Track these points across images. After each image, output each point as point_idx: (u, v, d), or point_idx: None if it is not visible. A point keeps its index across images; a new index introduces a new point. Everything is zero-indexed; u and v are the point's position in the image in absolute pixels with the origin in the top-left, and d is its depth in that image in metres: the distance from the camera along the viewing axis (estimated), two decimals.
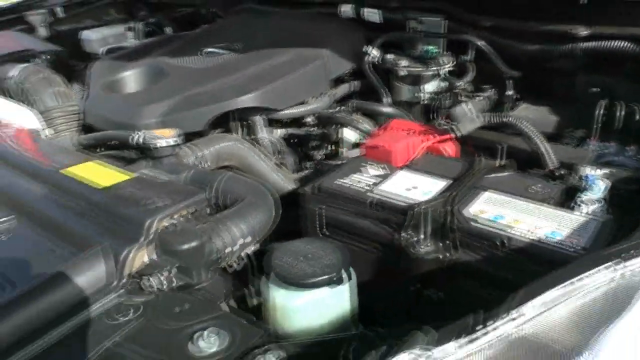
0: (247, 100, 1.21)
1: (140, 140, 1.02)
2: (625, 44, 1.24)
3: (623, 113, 1.06)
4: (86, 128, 1.42)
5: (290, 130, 1.39)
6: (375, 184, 0.89)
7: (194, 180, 0.93)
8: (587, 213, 0.77)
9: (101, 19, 2.38)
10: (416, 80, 1.41)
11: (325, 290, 0.69)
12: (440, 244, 0.76)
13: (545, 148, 0.96)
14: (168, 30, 2.02)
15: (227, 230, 0.78)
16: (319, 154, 1.40)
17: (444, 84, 1.44)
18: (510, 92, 1.44)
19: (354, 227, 0.85)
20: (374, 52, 1.49)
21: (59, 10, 2.26)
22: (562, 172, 0.90)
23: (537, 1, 1.36)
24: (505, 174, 0.89)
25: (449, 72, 1.43)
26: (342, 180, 0.91)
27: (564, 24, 1.32)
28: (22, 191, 0.86)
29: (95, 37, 1.99)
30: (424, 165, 0.95)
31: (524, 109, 1.41)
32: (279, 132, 1.36)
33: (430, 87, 1.42)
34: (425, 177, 0.90)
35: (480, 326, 0.45)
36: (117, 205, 0.77)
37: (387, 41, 1.52)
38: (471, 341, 0.45)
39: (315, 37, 1.50)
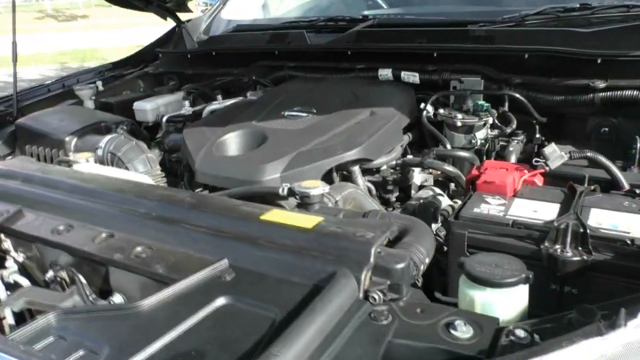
0: (355, 153, 1.45)
1: (295, 190, 1.23)
2: (635, 93, 1.59)
3: None
4: None
5: (369, 177, 1.63)
6: (504, 210, 1.14)
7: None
8: None
9: (134, 89, 2.58)
10: (469, 130, 1.70)
11: (517, 289, 0.92)
12: (579, 249, 1.01)
13: (619, 174, 1.26)
14: (219, 97, 2.23)
15: (418, 252, 1.00)
16: (393, 197, 1.65)
17: (489, 131, 1.74)
18: (537, 135, 1.76)
19: (496, 245, 1.09)
20: (429, 108, 1.78)
21: (99, 84, 2.43)
22: (637, 190, 1.19)
23: (561, 61, 1.71)
24: (599, 195, 1.17)
25: None
26: (477, 209, 1.15)
27: (585, 79, 1.68)
28: (234, 236, 1.05)
29: (150, 107, 2.17)
30: (531, 194, 1.22)
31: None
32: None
33: (480, 134, 1.72)
34: (539, 203, 1.16)
35: None
36: (335, 239, 0.98)
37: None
38: None
39: (378, 98, 1.78)
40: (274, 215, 1.10)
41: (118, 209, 1.25)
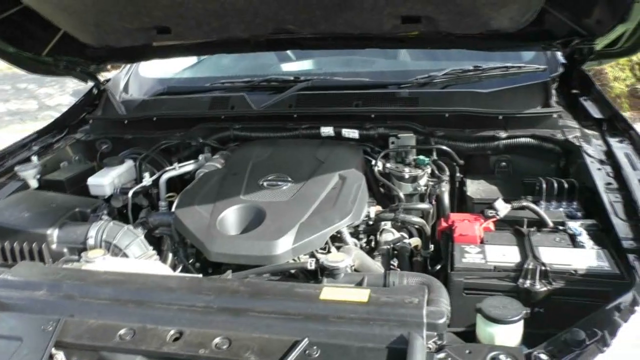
0: (349, 220, 1.76)
1: (325, 265, 1.51)
2: (527, 139, 2.15)
3: (556, 185, 1.90)
4: None
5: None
6: (483, 258, 1.55)
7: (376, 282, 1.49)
8: (592, 248, 1.56)
9: (68, 160, 2.57)
10: (414, 179, 2.11)
11: (521, 322, 1.32)
12: (543, 282, 1.46)
13: (544, 215, 1.74)
14: (175, 164, 2.34)
15: (445, 305, 1.36)
16: (364, 243, 1.99)
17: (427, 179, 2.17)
18: (458, 174, 2.24)
19: (485, 286, 1.49)
20: (379, 163, 2.15)
21: (35, 159, 2.39)
22: (558, 227, 1.69)
23: (473, 118, 2.20)
24: (538, 234, 1.65)
25: None
26: (464, 259, 1.55)
27: (491, 130, 2.19)
28: (304, 317, 1.30)
29: (107, 182, 2.23)
30: (492, 239, 1.65)
31: (470, 183, 2.20)
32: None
33: (422, 182, 2.14)
34: (503, 247, 1.60)
35: None
36: (392, 308, 1.28)
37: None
38: None
39: (339, 160, 2.10)
40: (329, 292, 1.37)
41: (175, 307, 1.40)
